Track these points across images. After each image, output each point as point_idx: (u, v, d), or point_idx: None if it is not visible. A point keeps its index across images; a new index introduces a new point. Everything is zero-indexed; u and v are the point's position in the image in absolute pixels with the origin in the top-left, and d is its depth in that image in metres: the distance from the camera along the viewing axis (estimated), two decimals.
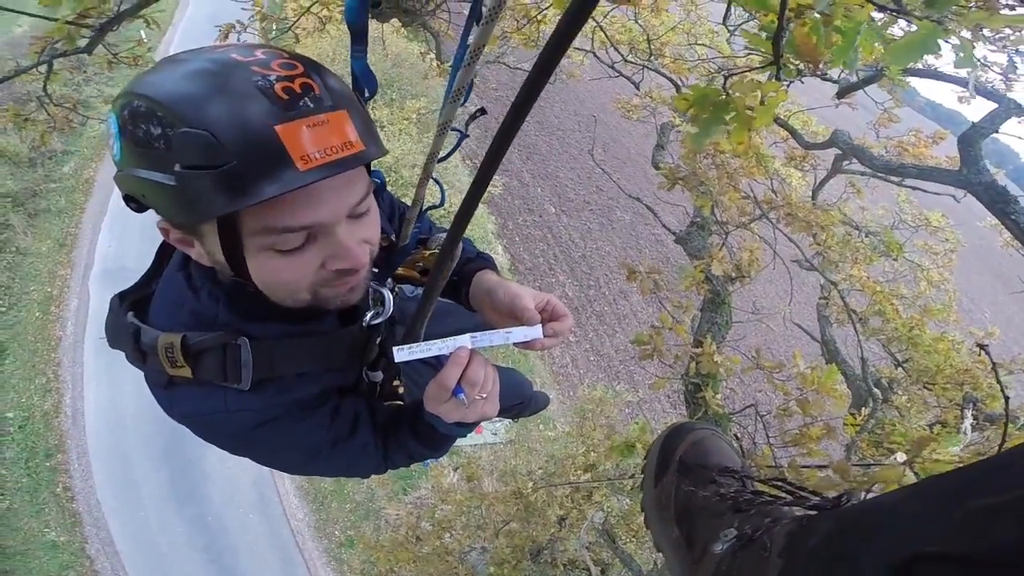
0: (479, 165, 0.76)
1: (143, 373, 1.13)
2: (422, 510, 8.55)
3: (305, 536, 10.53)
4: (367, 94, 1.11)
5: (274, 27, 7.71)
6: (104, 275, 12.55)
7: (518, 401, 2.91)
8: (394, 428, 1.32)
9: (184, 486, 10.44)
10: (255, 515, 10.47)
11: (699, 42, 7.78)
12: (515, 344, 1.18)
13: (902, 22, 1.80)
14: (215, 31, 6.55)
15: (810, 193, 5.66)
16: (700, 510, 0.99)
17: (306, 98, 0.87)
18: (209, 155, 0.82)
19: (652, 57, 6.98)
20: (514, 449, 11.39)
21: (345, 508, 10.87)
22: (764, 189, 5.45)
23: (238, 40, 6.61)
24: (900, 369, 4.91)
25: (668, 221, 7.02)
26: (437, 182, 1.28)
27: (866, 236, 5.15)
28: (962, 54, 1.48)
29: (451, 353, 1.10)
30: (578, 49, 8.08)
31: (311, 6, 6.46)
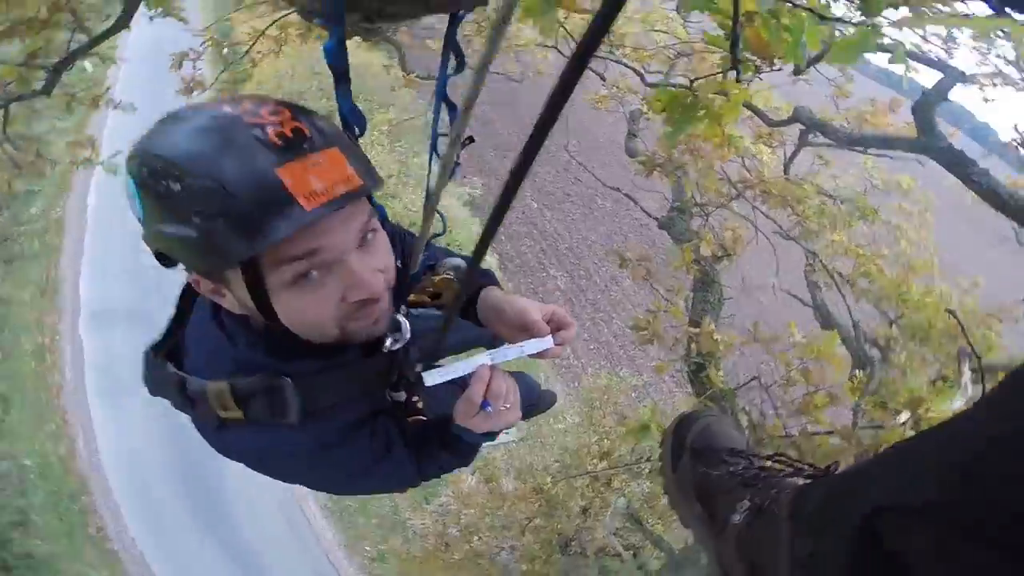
0: (496, 199, 0.84)
1: (190, 416, 1.22)
2: (447, 517, 8.65)
3: (337, 555, 10.62)
4: (357, 132, 1.19)
5: (225, 49, 7.62)
6: (93, 319, 12.44)
7: (531, 403, 3.03)
8: (424, 442, 1.40)
9: (211, 514, 10.56)
10: (285, 538, 10.57)
11: (656, 28, 7.88)
12: (528, 355, 1.30)
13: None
14: (161, 60, 6.48)
15: (782, 168, 5.81)
16: (716, 488, 1.12)
17: (298, 140, 0.94)
18: (222, 204, 0.89)
19: (613, 48, 7.09)
20: (528, 446, 11.45)
21: (372, 523, 10.97)
22: (738, 167, 5.59)
23: (193, 68, 6.66)
24: (894, 327, 4.97)
25: (648, 207, 7.15)
26: (440, 214, 1.33)
27: (841, 204, 5.30)
28: (894, 53, 1.63)
29: (474, 371, 1.22)
30: (541, 45, 8.18)
31: (266, 29, 6.40)
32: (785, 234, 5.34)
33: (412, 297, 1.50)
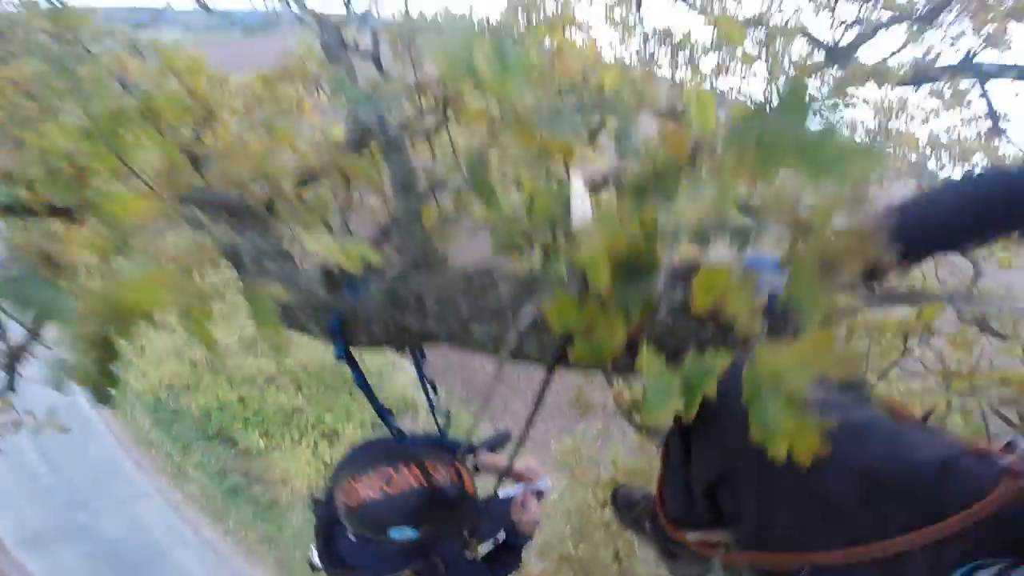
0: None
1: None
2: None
3: None
4: (392, 421, 1.93)
5: None
6: (21, 546, 11.39)
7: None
8: (492, 560, 2.16)
9: None
10: None
11: None
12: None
13: None
14: None
15: None
16: (637, 518, 1.92)
17: (459, 482, 1.70)
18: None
19: None
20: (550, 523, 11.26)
21: None
22: None
23: None
24: None
25: None
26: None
27: None
28: None
29: (513, 495, 2.23)
30: None
31: None
32: None
33: None
